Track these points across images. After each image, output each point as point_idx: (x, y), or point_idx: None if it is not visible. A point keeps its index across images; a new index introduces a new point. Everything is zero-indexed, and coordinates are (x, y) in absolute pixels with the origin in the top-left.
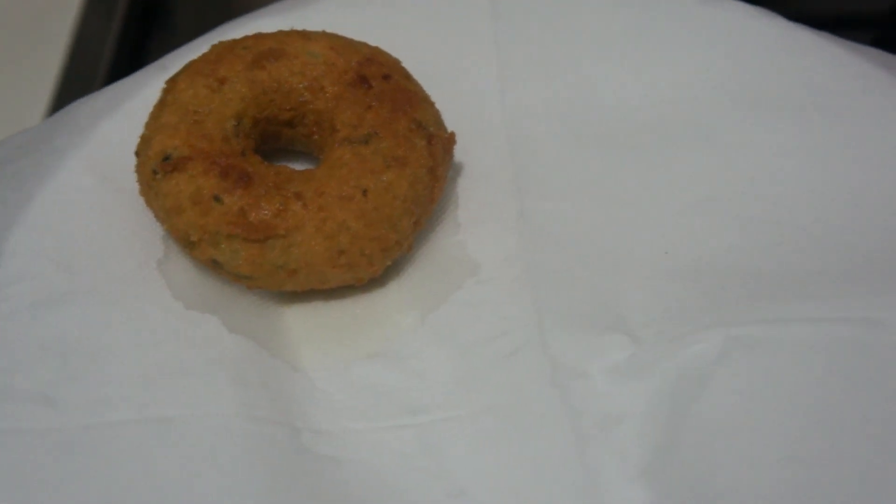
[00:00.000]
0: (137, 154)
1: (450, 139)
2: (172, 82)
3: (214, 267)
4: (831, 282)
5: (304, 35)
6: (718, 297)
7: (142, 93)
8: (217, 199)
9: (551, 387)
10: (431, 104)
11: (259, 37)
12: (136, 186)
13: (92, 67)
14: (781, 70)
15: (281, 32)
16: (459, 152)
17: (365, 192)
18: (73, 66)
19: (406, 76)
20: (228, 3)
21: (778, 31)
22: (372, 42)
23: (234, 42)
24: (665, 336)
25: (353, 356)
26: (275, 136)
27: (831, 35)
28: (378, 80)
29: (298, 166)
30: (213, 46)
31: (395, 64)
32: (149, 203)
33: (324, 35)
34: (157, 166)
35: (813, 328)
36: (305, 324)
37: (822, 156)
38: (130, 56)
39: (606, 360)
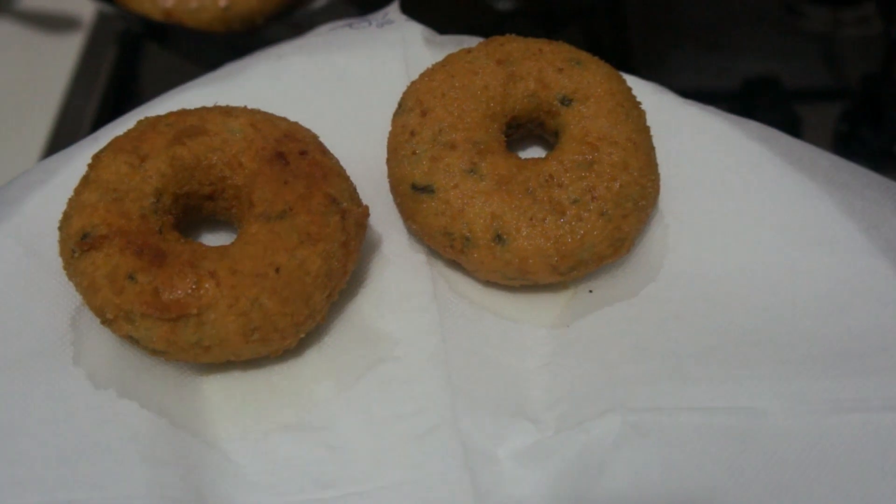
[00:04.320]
0: (60, 229)
1: (363, 213)
2: (97, 158)
3: (131, 341)
4: (721, 365)
5: (226, 111)
6: (616, 376)
7: (72, 165)
8: (132, 277)
9: (462, 469)
10: (346, 178)
11: (182, 113)
12: (59, 258)
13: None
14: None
15: (203, 108)
16: (376, 223)
17: (278, 270)
18: (56, 138)
19: (322, 151)
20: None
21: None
22: (292, 114)
23: (158, 118)
24: (566, 421)
25: (268, 427)
26: (196, 209)
27: (716, 110)
28: (295, 156)
29: (220, 235)
30: (138, 122)
31: (313, 139)
32: (69, 278)
33: (244, 111)
34: (76, 245)
35: (702, 417)
36: (222, 393)
37: (710, 238)
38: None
39: (513, 445)
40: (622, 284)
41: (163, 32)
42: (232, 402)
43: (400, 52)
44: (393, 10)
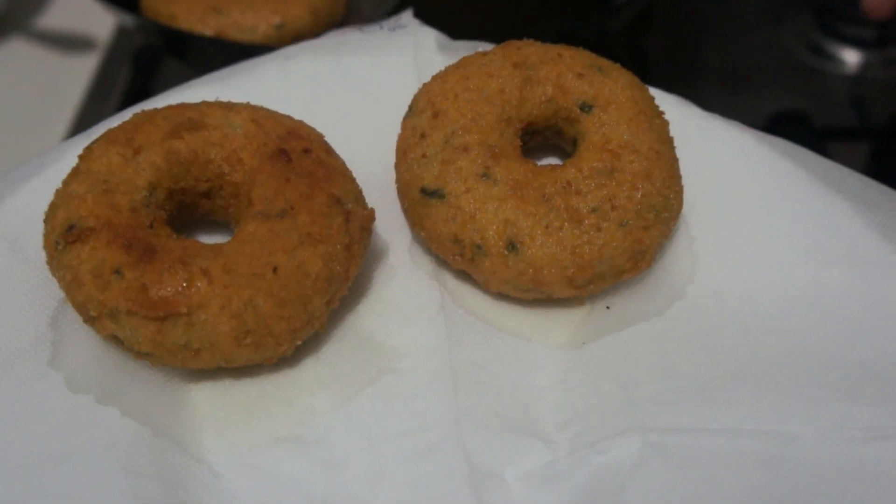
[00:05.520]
0: (45, 222)
1: (369, 216)
2: (88, 150)
3: (116, 343)
4: (748, 388)
5: (227, 106)
6: (635, 396)
7: (63, 160)
8: (118, 272)
9: (467, 491)
10: (352, 179)
11: (180, 107)
12: (44, 255)
13: None
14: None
15: (204, 103)
16: (382, 230)
17: (275, 270)
18: None
19: (328, 150)
20: None
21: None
22: (297, 115)
23: (155, 111)
24: (580, 441)
25: (258, 440)
26: (192, 207)
27: (741, 124)
28: (298, 154)
29: (217, 237)
30: (134, 115)
31: (318, 138)
32: (53, 272)
33: (246, 107)
34: (60, 237)
35: (727, 441)
36: (211, 402)
37: (736, 255)
38: None
39: (522, 466)
40: (642, 301)
41: (183, 46)
42: (221, 412)
43: (411, 57)
44: (406, 16)
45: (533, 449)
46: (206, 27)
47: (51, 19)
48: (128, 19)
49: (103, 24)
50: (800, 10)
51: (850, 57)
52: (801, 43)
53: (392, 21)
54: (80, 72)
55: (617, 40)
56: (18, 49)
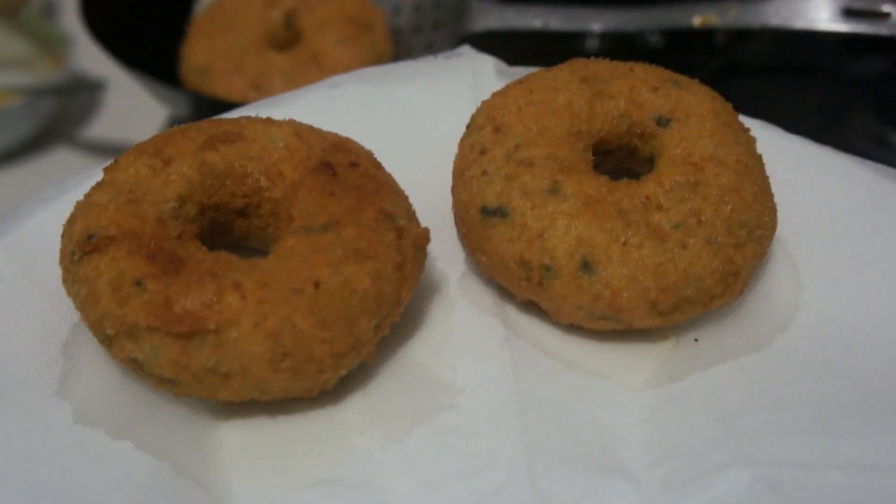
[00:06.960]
0: (63, 236)
1: (423, 235)
2: (114, 162)
3: (135, 368)
4: (873, 419)
5: (267, 121)
6: (738, 428)
7: (87, 182)
8: (139, 284)
9: None
10: (403, 196)
11: (217, 120)
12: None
13: None
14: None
15: (242, 117)
16: (438, 259)
17: (317, 285)
18: None
19: (377, 165)
20: None
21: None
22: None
23: (189, 125)
24: (675, 479)
25: (295, 483)
26: (226, 227)
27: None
28: (344, 168)
29: None
30: (167, 129)
31: (366, 153)
32: (68, 290)
33: (288, 122)
34: (76, 247)
35: (856, 477)
36: (241, 440)
37: (842, 281)
38: None
39: None
40: (736, 333)
41: None
42: (252, 451)
43: (468, 82)
44: (462, 47)
45: (619, 490)
46: None
47: (97, 129)
48: (179, 96)
49: (149, 131)
50: (862, 104)
51: None
52: (865, 137)
53: (447, 53)
54: None
55: None
56: (65, 159)
